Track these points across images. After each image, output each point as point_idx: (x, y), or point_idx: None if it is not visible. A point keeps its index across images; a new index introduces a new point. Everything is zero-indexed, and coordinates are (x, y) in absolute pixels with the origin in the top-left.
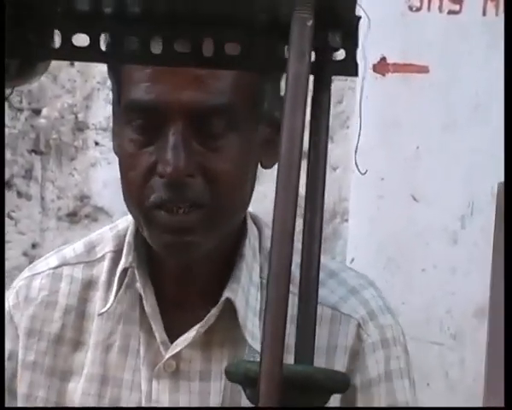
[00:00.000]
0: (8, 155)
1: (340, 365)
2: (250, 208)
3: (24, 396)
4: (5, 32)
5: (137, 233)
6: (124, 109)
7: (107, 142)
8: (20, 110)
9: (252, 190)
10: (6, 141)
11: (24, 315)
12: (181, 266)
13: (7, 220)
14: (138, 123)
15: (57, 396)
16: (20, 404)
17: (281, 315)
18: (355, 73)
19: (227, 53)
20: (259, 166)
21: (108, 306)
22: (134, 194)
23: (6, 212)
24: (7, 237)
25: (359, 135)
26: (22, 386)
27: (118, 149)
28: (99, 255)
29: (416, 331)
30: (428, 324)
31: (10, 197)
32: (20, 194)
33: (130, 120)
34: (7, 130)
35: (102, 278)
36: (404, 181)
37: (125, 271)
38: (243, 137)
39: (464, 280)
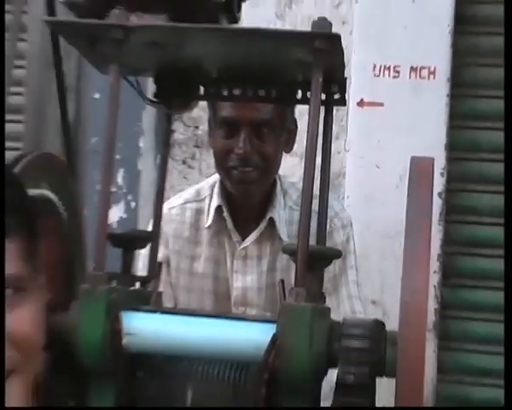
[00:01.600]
0: (183, 147)
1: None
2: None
3: (174, 268)
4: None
5: (222, 185)
6: (218, 120)
7: None
8: (188, 126)
9: (280, 162)
10: (186, 140)
11: (169, 228)
12: (246, 202)
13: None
14: (224, 128)
15: (189, 268)
16: (173, 273)
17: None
18: (344, 104)
19: (270, 95)
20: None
21: (210, 223)
22: (221, 163)
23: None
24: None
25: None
26: (173, 262)
27: (212, 143)
28: (202, 197)
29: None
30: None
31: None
32: (189, 166)
33: (221, 126)
34: (181, 136)
35: (205, 209)
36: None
37: (218, 206)
38: (277, 136)
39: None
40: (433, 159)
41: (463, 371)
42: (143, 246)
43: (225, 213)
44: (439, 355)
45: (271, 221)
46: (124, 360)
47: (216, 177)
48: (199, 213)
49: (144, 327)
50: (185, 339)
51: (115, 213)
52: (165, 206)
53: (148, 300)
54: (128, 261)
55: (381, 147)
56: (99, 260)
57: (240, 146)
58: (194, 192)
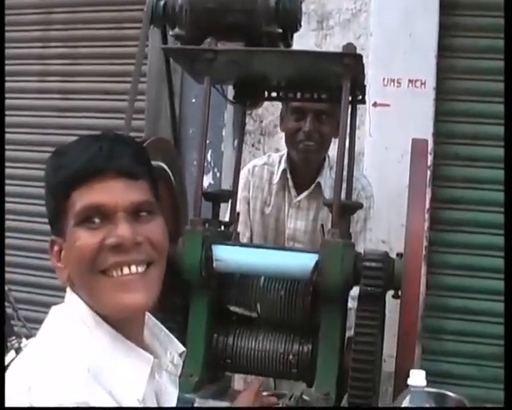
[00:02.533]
0: (252, 135)
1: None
2: None
3: (252, 208)
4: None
5: (288, 155)
6: (290, 109)
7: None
8: (255, 120)
9: (330, 143)
10: (254, 130)
11: (251, 179)
12: (304, 168)
13: None
14: (295, 114)
15: (261, 209)
16: (251, 211)
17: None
18: (364, 103)
19: (313, 97)
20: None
21: (277, 180)
22: (292, 139)
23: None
24: None
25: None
26: (251, 204)
27: (284, 126)
28: (274, 163)
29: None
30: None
31: (252, 150)
32: (256, 149)
33: (292, 113)
34: (251, 127)
35: (275, 171)
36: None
37: (284, 169)
38: (330, 123)
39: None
40: (427, 140)
41: (443, 288)
42: (226, 200)
43: (288, 175)
44: (427, 278)
45: (319, 185)
46: (214, 278)
47: (282, 152)
48: (272, 173)
49: (227, 255)
50: (255, 263)
51: (206, 181)
52: (251, 164)
53: (230, 237)
54: (216, 211)
55: (389, 134)
56: (196, 210)
57: (306, 126)
58: (271, 159)
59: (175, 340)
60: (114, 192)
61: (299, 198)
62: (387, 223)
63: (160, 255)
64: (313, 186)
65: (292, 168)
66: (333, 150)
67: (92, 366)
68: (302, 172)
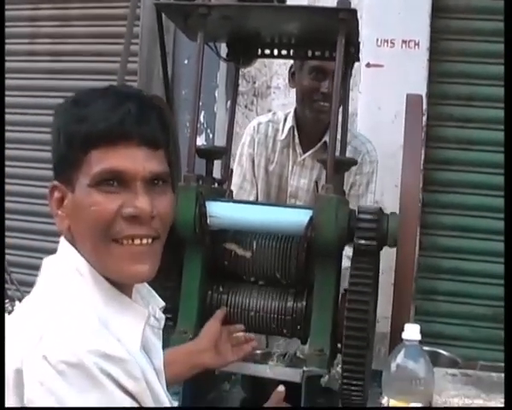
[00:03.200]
0: (245, 96)
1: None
2: None
3: (256, 165)
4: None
5: (295, 113)
6: (308, 68)
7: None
8: (248, 81)
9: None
10: (247, 91)
11: (256, 136)
12: (312, 127)
13: None
14: (313, 73)
15: (265, 165)
16: (255, 168)
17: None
18: (359, 60)
19: (307, 54)
20: None
21: (283, 137)
22: (308, 97)
23: None
24: None
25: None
26: (256, 161)
27: (298, 83)
28: (279, 121)
29: None
30: None
31: (245, 111)
32: (249, 110)
33: (310, 72)
34: (243, 88)
35: (280, 128)
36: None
37: (291, 126)
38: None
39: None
40: (422, 95)
41: (437, 249)
42: (220, 157)
43: (295, 132)
44: (420, 238)
45: (325, 144)
46: (208, 234)
47: (288, 110)
48: (277, 130)
49: (221, 211)
50: (249, 219)
51: (199, 142)
52: (255, 121)
53: (223, 194)
54: (210, 168)
55: (382, 95)
56: (190, 166)
57: (326, 87)
58: (276, 117)
59: (156, 294)
60: (136, 160)
61: (304, 156)
62: (381, 184)
63: (166, 230)
64: (319, 145)
65: (299, 126)
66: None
67: (100, 315)
68: (309, 130)
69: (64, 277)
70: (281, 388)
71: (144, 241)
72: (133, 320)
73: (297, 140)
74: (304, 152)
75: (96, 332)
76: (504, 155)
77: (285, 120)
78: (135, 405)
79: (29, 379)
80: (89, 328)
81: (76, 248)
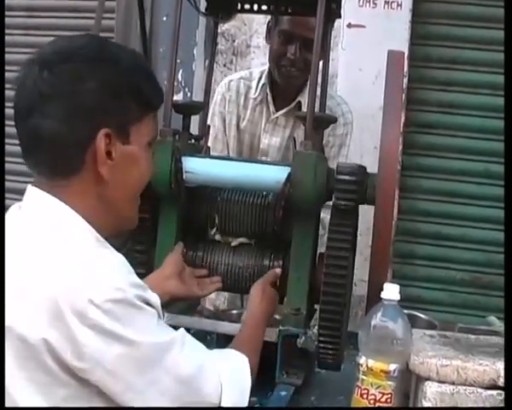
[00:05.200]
0: (224, 55)
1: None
2: None
3: (228, 123)
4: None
5: (269, 72)
6: (278, 31)
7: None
8: (227, 39)
9: None
10: (226, 50)
11: (226, 94)
12: (285, 89)
13: None
14: (282, 37)
15: (236, 123)
16: (227, 126)
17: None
18: (340, 17)
19: (288, 10)
20: None
21: (256, 95)
22: (276, 61)
23: None
24: None
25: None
26: (227, 119)
27: (270, 44)
28: (253, 78)
29: None
30: None
31: (224, 70)
32: (228, 68)
33: (279, 35)
34: (223, 46)
35: (253, 86)
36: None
37: (263, 85)
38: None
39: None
40: (404, 52)
41: (415, 213)
42: (197, 112)
43: (268, 90)
44: (399, 202)
45: (299, 103)
46: (184, 191)
47: (263, 68)
48: (249, 87)
49: (198, 167)
50: (226, 176)
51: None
52: (227, 79)
53: (200, 151)
54: (186, 123)
55: (363, 55)
56: (166, 120)
57: (292, 52)
58: (248, 73)
59: None
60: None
61: (277, 114)
62: (360, 146)
63: None
64: (293, 104)
65: (272, 84)
66: None
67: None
68: (282, 90)
69: (63, 226)
70: (278, 269)
71: None
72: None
73: (270, 98)
74: (277, 110)
75: (121, 268)
76: (504, 143)
77: (260, 78)
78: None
79: (77, 325)
80: (115, 266)
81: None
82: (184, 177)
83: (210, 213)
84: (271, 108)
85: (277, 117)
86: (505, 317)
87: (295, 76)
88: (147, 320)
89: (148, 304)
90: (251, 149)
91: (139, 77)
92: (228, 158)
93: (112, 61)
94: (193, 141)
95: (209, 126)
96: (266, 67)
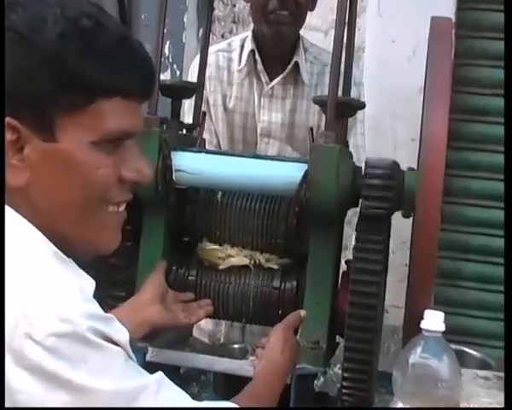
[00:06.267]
0: (222, 23)
1: None
2: None
3: (212, 104)
4: None
5: (254, 34)
6: None
7: None
8: (226, 4)
9: (306, 16)
10: (224, 16)
11: (207, 72)
12: (276, 45)
13: None
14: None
15: (223, 103)
16: (212, 109)
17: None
18: None
19: None
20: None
21: (242, 66)
22: (262, 8)
23: None
24: None
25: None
26: (211, 100)
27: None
28: (233, 48)
29: None
30: None
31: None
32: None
33: None
34: (221, 13)
35: (236, 58)
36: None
37: (251, 51)
38: None
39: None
40: (451, 19)
41: (462, 222)
42: (190, 96)
43: (257, 57)
44: (442, 207)
45: (296, 66)
46: (174, 194)
47: (245, 34)
48: (230, 60)
49: (191, 164)
50: (227, 176)
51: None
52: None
53: (193, 143)
54: (176, 109)
55: (397, 24)
56: (152, 107)
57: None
58: (226, 44)
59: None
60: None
61: (272, 84)
62: (393, 136)
63: None
64: (289, 67)
65: (260, 49)
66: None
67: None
68: (273, 51)
69: (13, 241)
70: (303, 312)
71: (122, 207)
72: (84, 283)
73: (260, 66)
74: (270, 80)
75: (74, 294)
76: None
77: (242, 46)
78: (127, 358)
79: (11, 366)
80: (66, 291)
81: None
82: (174, 177)
83: (205, 222)
84: (263, 77)
85: (273, 87)
86: (505, 317)
87: (286, 22)
88: (106, 361)
89: (111, 341)
90: (245, 132)
91: (69, 45)
92: (228, 153)
93: (29, 25)
94: (185, 132)
95: (204, 113)
96: (247, 33)
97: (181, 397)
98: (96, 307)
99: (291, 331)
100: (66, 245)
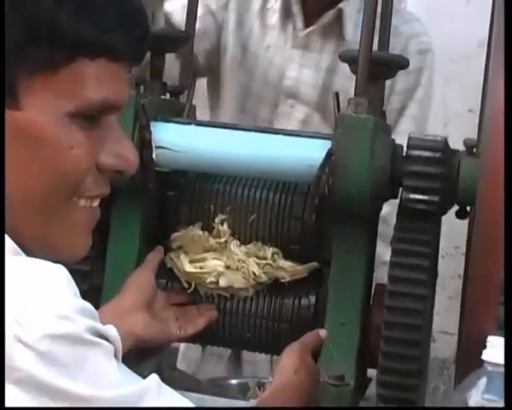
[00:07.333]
0: None
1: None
2: None
3: (225, 30)
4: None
5: None
6: None
7: None
8: None
9: None
10: None
11: None
12: None
13: None
14: None
15: (243, 38)
16: (224, 35)
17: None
18: None
19: None
20: None
21: (273, 2)
22: None
23: None
24: None
25: None
26: (230, 24)
27: None
28: None
29: None
30: None
31: None
32: None
33: None
34: None
35: None
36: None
37: None
38: None
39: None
40: None
41: None
42: (175, 49)
43: None
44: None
45: (340, 13)
46: (153, 177)
47: None
48: None
49: (177, 140)
50: (224, 155)
51: None
52: None
53: (180, 112)
54: (158, 67)
55: None
56: None
57: None
58: None
59: None
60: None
61: (307, 31)
62: (443, 107)
63: None
64: (331, 13)
65: None
66: None
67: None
68: None
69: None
70: (323, 331)
71: (96, 203)
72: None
73: (296, 7)
74: (307, 26)
75: (64, 285)
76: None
77: None
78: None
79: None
80: (55, 281)
81: None
82: (154, 156)
83: (193, 217)
84: (298, 22)
85: (308, 37)
86: (505, 317)
87: None
88: (103, 362)
89: (105, 339)
90: (266, 86)
91: None
92: (225, 126)
93: None
94: (169, 96)
95: (195, 72)
96: None
97: (181, 400)
98: (83, 300)
99: (308, 353)
100: (19, 247)
